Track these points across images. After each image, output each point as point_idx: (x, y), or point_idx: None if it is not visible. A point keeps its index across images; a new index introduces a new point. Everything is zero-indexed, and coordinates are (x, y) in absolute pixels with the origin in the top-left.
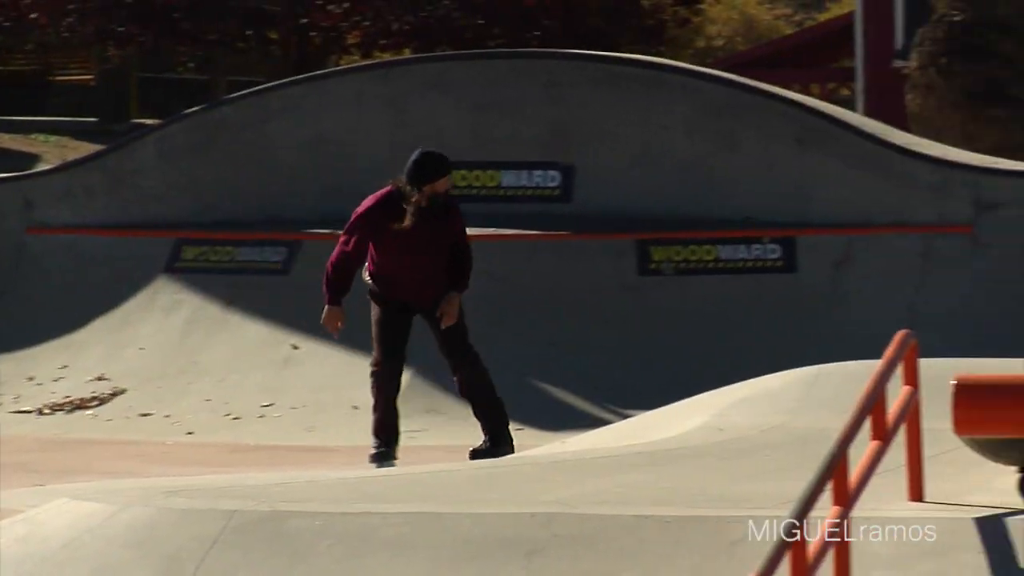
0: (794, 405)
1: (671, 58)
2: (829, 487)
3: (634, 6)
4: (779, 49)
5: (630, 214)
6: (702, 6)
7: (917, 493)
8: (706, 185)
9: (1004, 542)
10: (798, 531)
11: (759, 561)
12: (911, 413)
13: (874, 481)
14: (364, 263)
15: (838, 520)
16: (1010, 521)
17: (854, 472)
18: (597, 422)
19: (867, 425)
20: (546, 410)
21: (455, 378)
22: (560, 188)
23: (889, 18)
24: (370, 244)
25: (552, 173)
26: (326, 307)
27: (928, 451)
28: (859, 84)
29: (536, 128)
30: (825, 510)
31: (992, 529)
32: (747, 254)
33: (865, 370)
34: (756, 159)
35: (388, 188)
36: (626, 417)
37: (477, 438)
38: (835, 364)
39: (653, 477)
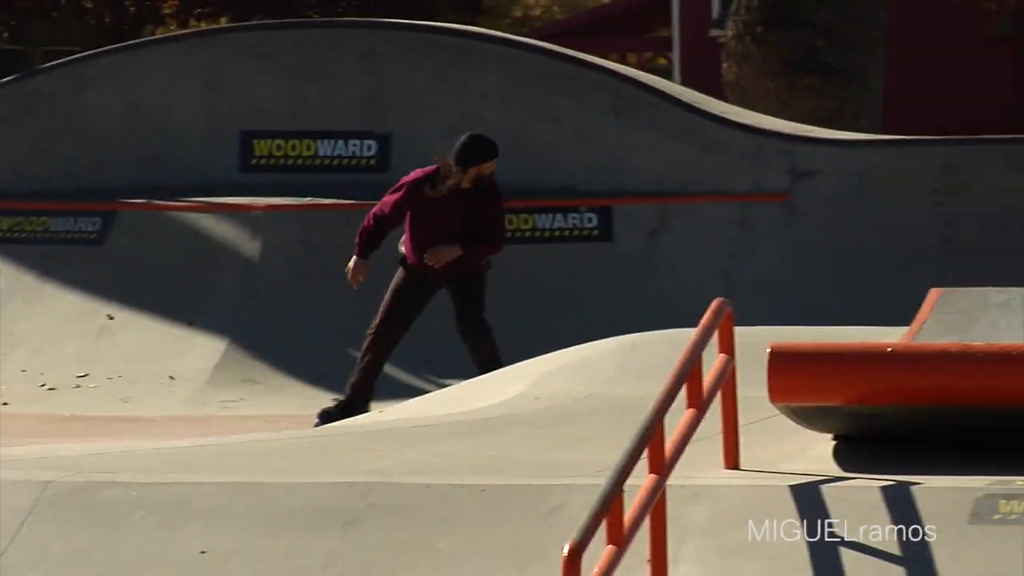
0: (612, 373)
1: (489, 28)
2: (645, 455)
3: None
4: (597, 18)
5: None
6: None
7: (733, 461)
8: (523, 154)
9: (819, 509)
10: (614, 499)
11: (575, 529)
12: (727, 381)
13: (691, 449)
14: (398, 226)
15: (654, 488)
16: (824, 488)
17: (670, 440)
18: (415, 391)
19: (683, 393)
20: None
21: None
22: (376, 158)
23: None
24: (408, 214)
25: (368, 143)
26: (354, 257)
27: (744, 419)
28: (676, 53)
29: (352, 97)
30: (641, 478)
31: (806, 496)
32: (564, 223)
33: (682, 338)
34: (573, 128)
35: (435, 165)
36: (445, 386)
37: (295, 406)
38: (652, 332)
39: (471, 446)
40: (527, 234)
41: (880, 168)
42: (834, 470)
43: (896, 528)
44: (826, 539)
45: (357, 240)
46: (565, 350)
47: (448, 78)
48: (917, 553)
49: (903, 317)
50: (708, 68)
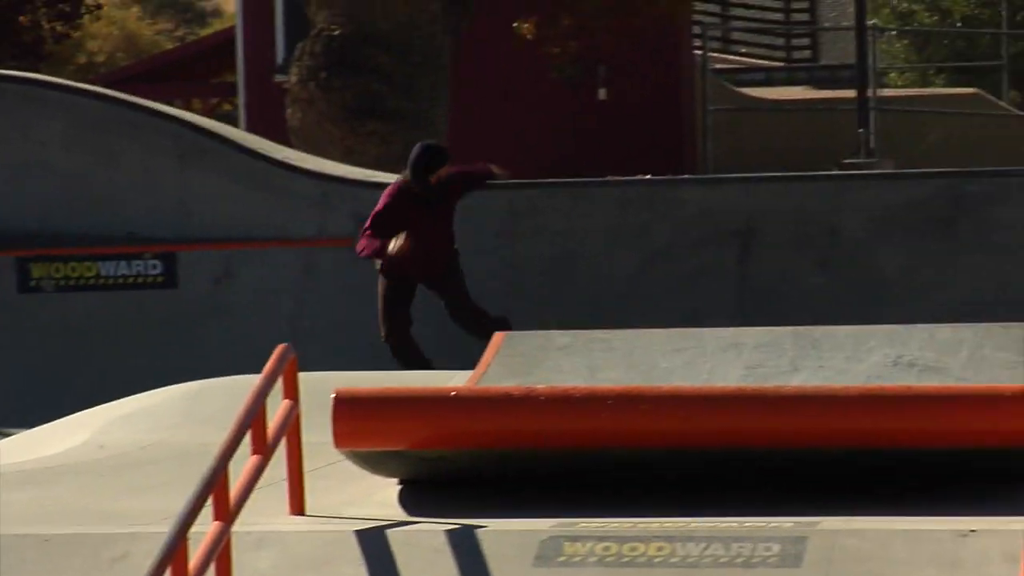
0: (177, 420)
1: (53, 74)
2: (210, 502)
3: (10, 23)
4: (162, 64)
5: (10, 231)
6: (81, 21)
7: (299, 507)
8: (87, 201)
9: (384, 554)
10: (178, 546)
11: None
12: (291, 427)
13: (257, 495)
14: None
15: (219, 535)
16: (390, 533)
17: (235, 487)
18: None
19: (248, 439)
20: None
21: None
22: None
23: (270, 33)
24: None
25: None
26: (394, 241)
27: (310, 464)
28: (241, 99)
29: None
30: (207, 525)
31: (372, 541)
32: (128, 270)
33: (247, 384)
34: (138, 174)
35: (397, 183)
36: (7, 436)
37: None
38: (218, 379)
39: (34, 496)
40: (91, 281)
41: None
42: (400, 515)
43: (461, 572)
44: None
45: (376, 246)
46: (131, 397)
47: (11, 124)
48: None
49: (471, 361)
50: (274, 114)
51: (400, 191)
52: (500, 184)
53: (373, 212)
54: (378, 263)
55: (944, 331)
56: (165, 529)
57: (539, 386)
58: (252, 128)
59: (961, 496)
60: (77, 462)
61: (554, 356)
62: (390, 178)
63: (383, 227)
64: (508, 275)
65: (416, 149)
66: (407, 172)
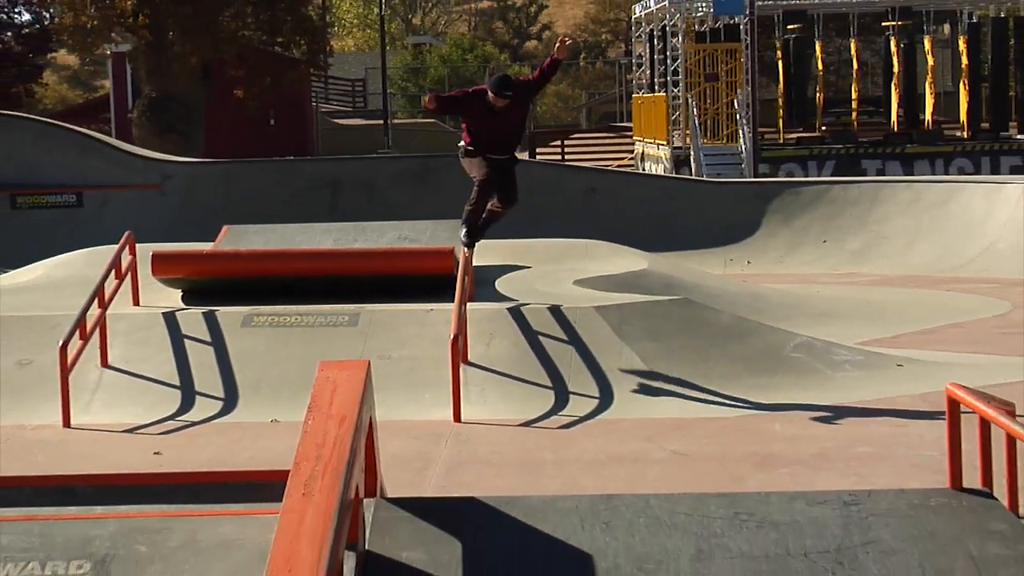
0: (80, 265)
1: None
2: (96, 300)
3: None
4: (77, 108)
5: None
6: (43, 83)
7: (137, 302)
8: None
9: (172, 321)
10: (81, 320)
11: None
12: (131, 266)
13: (121, 298)
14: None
15: (100, 316)
16: (177, 313)
17: (109, 291)
18: None
19: (113, 273)
20: None
21: (498, 202)
22: None
23: (125, 95)
24: (464, 122)
25: None
26: (430, 99)
27: (144, 284)
28: (113, 123)
29: None
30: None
31: (169, 317)
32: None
33: (111, 249)
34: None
35: (482, 87)
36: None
37: None
38: (101, 246)
39: (13, 301)
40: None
41: None
42: (182, 306)
43: (208, 328)
44: (179, 341)
45: (440, 96)
46: (62, 256)
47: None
48: None
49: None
50: (127, 131)
51: (481, 92)
52: None
53: (463, 91)
54: (461, 145)
55: (424, 224)
56: (76, 314)
57: (242, 248)
58: (118, 136)
59: (429, 295)
60: (38, 284)
61: (250, 235)
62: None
63: (458, 103)
64: None
65: (496, 77)
66: (492, 86)
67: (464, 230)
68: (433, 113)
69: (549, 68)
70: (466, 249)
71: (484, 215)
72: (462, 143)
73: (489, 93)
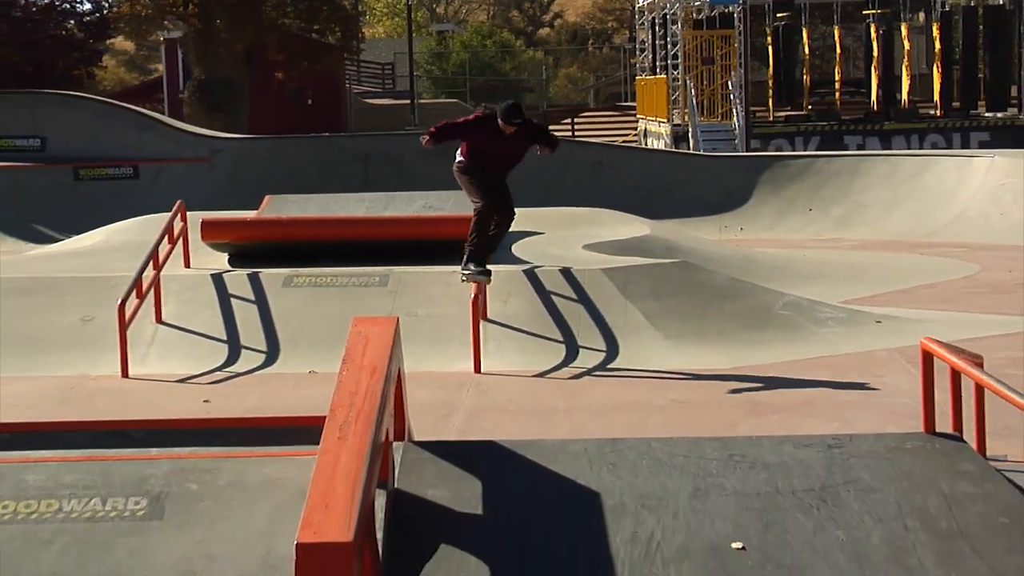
0: (135, 232)
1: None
2: (151, 263)
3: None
4: (134, 89)
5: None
6: (102, 66)
7: (188, 264)
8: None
9: (220, 283)
10: (138, 280)
11: None
12: (183, 232)
13: (174, 260)
14: (450, 142)
15: (155, 277)
16: (224, 275)
17: (163, 255)
18: None
19: (167, 239)
20: None
21: (496, 219)
22: None
23: (176, 76)
24: (466, 141)
25: None
26: (429, 137)
27: (194, 249)
28: (166, 103)
29: None
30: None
31: (217, 278)
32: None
33: (163, 217)
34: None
35: (484, 113)
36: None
37: None
38: (153, 215)
39: (71, 263)
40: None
41: None
42: (228, 268)
43: (252, 289)
44: (227, 302)
45: (435, 131)
46: (119, 223)
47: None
48: None
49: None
50: (178, 109)
51: (486, 118)
52: None
53: (464, 120)
54: (458, 160)
55: (448, 194)
56: (133, 275)
57: (283, 216)
58: (170, 115)
59: (452, 258)
60: (98, 248)
61: (290, 205)
62: (226, 135)
63: (463, 130)
64: None
65: (505, 104)
66: (502, 112)
67: (472, 267)
68: (434, 146)
69: (548, 145)
70: (482, 279)
71: (487, 243)
72: (461, 158)
73: (499, 119)
